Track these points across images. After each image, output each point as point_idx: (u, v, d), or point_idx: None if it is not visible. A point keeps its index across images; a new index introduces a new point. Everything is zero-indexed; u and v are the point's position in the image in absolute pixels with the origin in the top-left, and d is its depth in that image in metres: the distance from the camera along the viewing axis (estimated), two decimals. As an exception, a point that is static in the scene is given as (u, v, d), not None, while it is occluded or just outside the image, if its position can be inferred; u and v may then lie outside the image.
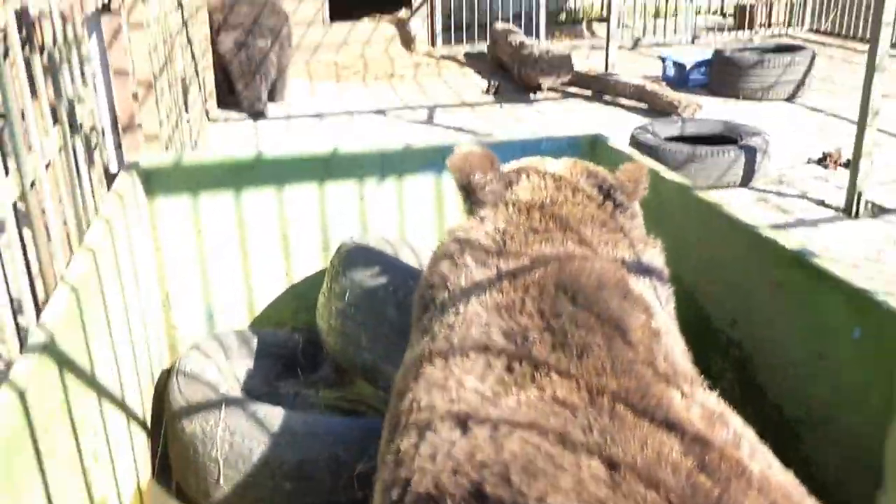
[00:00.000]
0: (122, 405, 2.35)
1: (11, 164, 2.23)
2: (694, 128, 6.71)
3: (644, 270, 1.97)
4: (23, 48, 2.29)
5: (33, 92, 2.41)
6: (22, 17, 2.29)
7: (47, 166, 2.49)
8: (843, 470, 2.01)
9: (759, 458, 1.36)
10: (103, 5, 3.56)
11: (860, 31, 11.52)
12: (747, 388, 2.40)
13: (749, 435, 1.42)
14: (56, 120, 2.61)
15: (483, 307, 1.70)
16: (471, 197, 2.11)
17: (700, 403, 1.45)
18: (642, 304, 1.72)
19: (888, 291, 1.94)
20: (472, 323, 1.67)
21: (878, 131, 5.35)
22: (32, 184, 2.34)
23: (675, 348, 1.69)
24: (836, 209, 5.43)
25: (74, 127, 2.76)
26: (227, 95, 8.68)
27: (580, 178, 2.14)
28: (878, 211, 5.36)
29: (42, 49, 2.48)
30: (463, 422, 1.44)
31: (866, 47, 5.38)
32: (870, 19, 10.75)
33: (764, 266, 2.34)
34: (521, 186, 2.08)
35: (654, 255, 2.08)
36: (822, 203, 5.57)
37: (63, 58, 2.64)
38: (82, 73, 2.87)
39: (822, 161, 6.33)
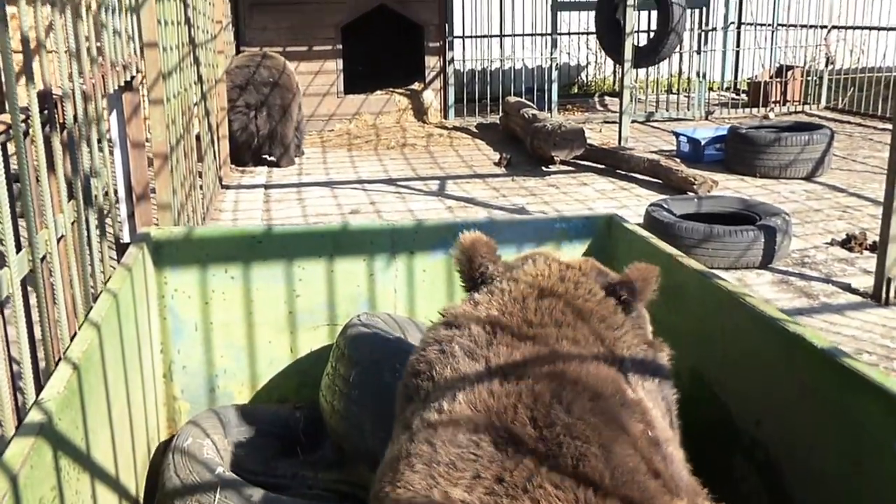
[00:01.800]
0: (116, 486, 2.26)
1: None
2: (710, 206, 6.58)
3: (645, 373, 1.86)
4: (44, 127, 2.25)
5: (51, 167, 2.38)
6: (45, 98, 2.25)
7: (60, 240, 2.45)
8: None
9: None
10: (126, 83, 3.58)
11: (879, 109, 11.43)
12: (775, 496, 2.22)
13: None
14: (71, 196, 2.57)
15: (471, 409, 1.59)
16: (468, 279, 2.07)
17: None
18: (640, 412, 1.64)
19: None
20: (460, 427, 1.56)
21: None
22: (43, 258, 2.30)
23: (675, 457, 1.62)
24: (864, 295, 5.25)
25: (89, 200, 2.73)
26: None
27: (589, 272, 2.06)
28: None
29: (63, 127, 2.45)
30: None
31: (886, 125, 5.28)
32: (889, 98, 10.79)
33: (792, 364, 2.17)
34: (523, 270, 2.01)
35: (661, 359, 1.97)
36: (847, 287, 5.39)
37: (82, 134, 2.62)
38: (100, 149, 2.84)
39: (846, 243, 6.17)
